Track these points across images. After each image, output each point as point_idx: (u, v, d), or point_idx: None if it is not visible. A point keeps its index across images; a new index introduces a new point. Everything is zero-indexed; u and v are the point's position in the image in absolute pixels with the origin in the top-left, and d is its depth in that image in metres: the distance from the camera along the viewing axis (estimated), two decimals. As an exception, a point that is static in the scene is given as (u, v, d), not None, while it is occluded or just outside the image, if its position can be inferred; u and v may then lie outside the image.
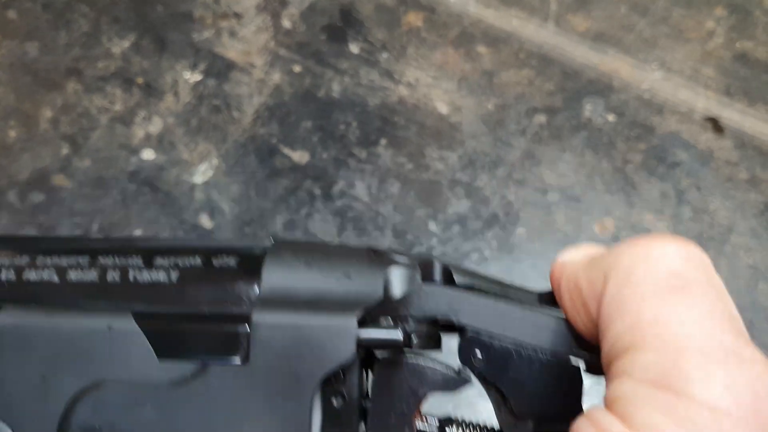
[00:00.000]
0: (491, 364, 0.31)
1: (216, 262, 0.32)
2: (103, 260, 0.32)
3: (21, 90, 0.74)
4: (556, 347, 0.31)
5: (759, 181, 0.69)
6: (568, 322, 0.31)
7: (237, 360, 0.30)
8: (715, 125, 0.73)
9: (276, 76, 0.75)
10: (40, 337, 0.31)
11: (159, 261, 0.32)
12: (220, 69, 0.75)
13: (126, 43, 0.76)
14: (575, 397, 0.31)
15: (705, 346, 0.24)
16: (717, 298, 0.26)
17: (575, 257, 0.31)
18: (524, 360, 0.31)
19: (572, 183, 0.70)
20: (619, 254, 0.28)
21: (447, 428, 0.32)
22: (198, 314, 0.31)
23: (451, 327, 0.32)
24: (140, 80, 0.74)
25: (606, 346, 0.27)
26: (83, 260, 0.32)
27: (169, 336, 0.31)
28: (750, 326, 0.61)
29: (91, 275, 0.32)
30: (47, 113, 0.73)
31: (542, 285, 0.59)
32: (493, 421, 0.33)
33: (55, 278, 0.32)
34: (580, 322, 0.30)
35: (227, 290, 0.31)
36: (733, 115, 0.73)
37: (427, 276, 0.32)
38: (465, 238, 0.68)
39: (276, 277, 0.31)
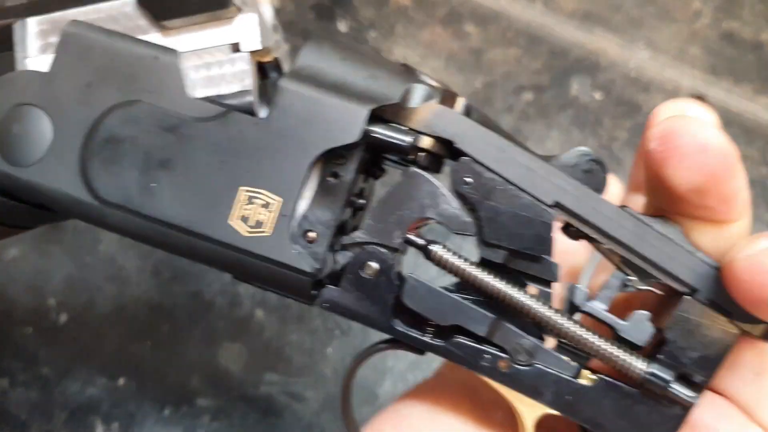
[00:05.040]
0: (477, 190, 0.34)
1: None
2: None
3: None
4: (540, 193, 0.34)
5: (743, 158, 0.69)
6: (555, 169, 0.34)
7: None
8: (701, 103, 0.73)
9: (264, 54, 0.75)
10: (97, 51, 0.35)
11: None
12: (208, 46, 0.75)
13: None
14: (544, 241, 0.34)
15: None
16: None
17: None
18: (507, 195, 0.34)
19: (559, 160, 0.71)
20: None
21: (432, 246, 0.35)
22: None
23: (452, 150, 0.35)
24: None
25: None
26: None
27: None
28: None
29: None
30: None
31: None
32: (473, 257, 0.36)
33: None
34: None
35: None
36: (719, 93, 0.74)
37: (448, 103, 0.35)
38: (452, 213, 0.68)
39: (311, 57, 0.35)
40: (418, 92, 0.34)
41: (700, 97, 0.73)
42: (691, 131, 0.32)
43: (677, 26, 0.77)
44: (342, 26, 0.76)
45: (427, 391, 0.43)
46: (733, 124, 0.72)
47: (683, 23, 0.77)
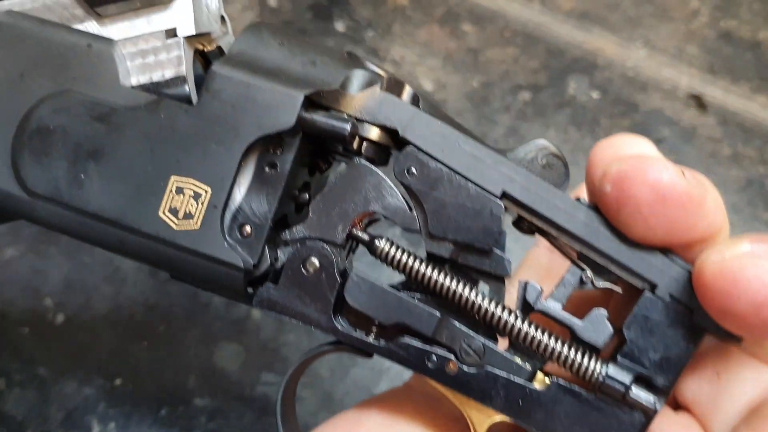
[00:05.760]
0: (422, 181, 0.33)
1: None
2: None
3: None
4: (487, 183, 0.32)
5: (741, 157, 0.70)
6: (504, 160, 0.32)
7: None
8: (699, 102, 0.73)
9: (261, 54, 0.75)
10: (30, 40, 0.34)
11: None
12: (205, 46, 0.75)
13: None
14: (493, 234, 0.32)
15: None
16: None
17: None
18: (453, 186, 0.33)
19: (556, 159, 0.71)
20: None
21: (377, 240, 0.34)
22: None
23: (397, 140, 0.33)
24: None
25: None
26: None
27: None
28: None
29: None
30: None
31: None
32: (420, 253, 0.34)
33: None
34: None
35: None
36: (716, 92, 0.73)
37: (394, 91, 0.33)
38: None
39: (247, 44, 0.33)
40: (359, 78, 0.33)
41: (698, 97, 0.73)
42: (648, 178, 0.29)
43: (675, 25, 0.77)
44: (339, 26, 0.76)
45: (389, 399, 0.41)
46: (730, 123, 0.72)
47: (681, 22, 0.77)
